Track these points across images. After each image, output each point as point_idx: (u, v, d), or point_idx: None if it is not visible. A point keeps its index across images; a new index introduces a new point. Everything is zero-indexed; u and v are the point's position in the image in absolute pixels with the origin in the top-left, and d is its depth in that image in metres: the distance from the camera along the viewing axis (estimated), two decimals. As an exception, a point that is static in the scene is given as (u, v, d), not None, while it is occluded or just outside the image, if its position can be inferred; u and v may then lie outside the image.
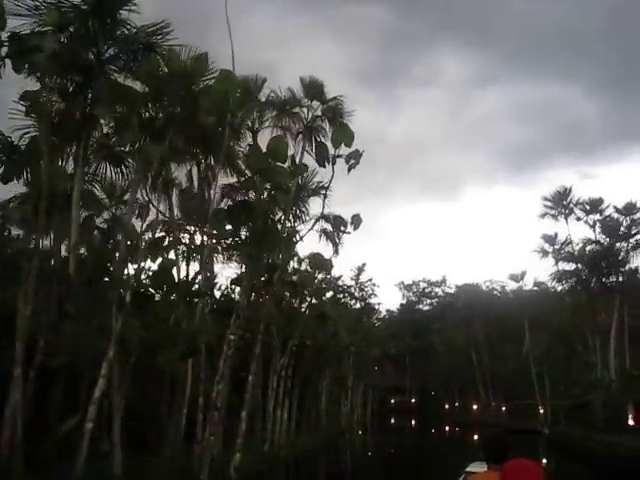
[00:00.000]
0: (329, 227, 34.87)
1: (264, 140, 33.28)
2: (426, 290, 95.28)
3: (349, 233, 27.91)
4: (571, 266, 45.12)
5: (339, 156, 20.68)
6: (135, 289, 15.11)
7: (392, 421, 75.35)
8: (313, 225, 34.52)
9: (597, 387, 38.73)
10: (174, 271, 18.78)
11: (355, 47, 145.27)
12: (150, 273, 16.87)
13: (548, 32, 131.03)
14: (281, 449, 23.20)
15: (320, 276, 27.68)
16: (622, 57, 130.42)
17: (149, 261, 23.45)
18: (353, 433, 50.00)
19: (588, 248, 42.26)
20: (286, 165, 21.27)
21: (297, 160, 32.68)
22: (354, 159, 23.72)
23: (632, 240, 41.44)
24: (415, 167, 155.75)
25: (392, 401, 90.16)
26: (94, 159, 20.46)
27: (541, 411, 43.04)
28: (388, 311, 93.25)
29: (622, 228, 41.88)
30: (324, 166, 21.68)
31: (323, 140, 33.19)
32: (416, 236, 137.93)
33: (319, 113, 32.86)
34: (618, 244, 41.51)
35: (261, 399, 23.24)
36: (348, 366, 44.97)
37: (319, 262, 24.32)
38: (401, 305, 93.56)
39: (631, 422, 26.11)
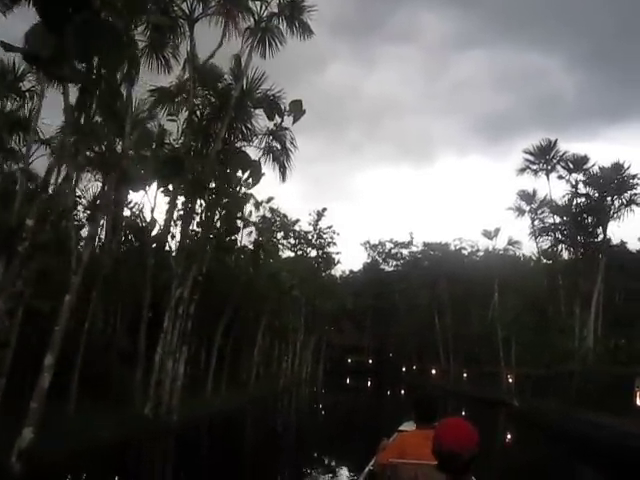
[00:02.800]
0: (278, 146, 28.47)
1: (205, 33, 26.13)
2: (392, 251, 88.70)
3: (287, 129, 20.93)
4: (551, 222, 39.14)
5: None
6: None
7: (347, 381, 69.72)
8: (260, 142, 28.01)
9: (574, 356, 32.87)
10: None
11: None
12: None
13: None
14: (173, 412, 16.26)
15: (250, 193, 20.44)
16: (606, 33, 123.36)
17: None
18: (299, 392, 43.74)
19: (575, 201, 35.82)
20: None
21: (242, 62, 25.92)
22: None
23: (624, 196, 35.11)
24: (389, 128, 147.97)
25: (349, 360, 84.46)
26: None
27: (510, 380, 36.99)
28: (352, 272, 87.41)
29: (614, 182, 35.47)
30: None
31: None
32: (387, 199, 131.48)
33: (275, 10, 26.63)
34: (609, 199, 35.11)
35: (144, 344, 16.42)
36: (295, 316, 38.33)
37: (241, 161, 17.08)
38: (365, 264, 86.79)
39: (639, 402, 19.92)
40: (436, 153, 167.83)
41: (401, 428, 5.96)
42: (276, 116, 19.49)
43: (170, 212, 23.45)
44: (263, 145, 28.24)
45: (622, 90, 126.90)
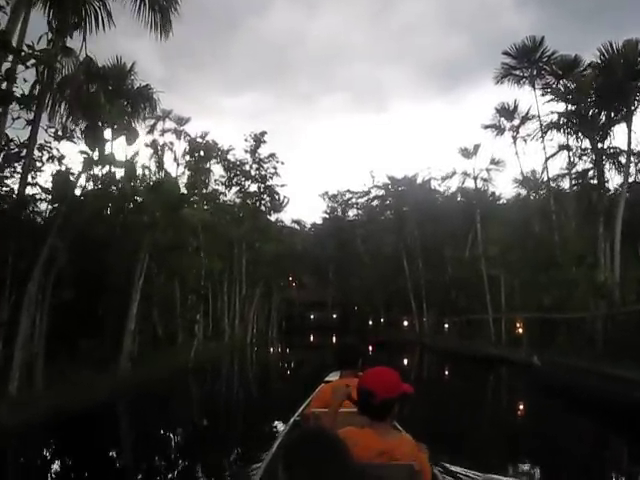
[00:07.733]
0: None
1: None
2: (350, 201, 77.63)
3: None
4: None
5: None
6: None
7: (311, 339, 60.39)
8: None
9: (600, 294, 23.02)
10: None
11: None
12: None
13: None
14: None
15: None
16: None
17: None
18: (244, 359, 33.32)
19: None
20: None
21: None
22: None
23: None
24: (340, 76, 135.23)
25: (312, 317, 74.51)
26: None
27: (519, 329, 26.75)
28: (314, 224, 77.21)
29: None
30: None
31: None
32: (345, 149, 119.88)
33: None
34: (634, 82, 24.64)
35: None
36: (219, 259, 27.43)
37: None
38: (326, 213, 75.73)
39: None
40: (391, 100, 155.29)
41: (327, 379, 5.54)
42: None
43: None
44: None
45: (576, 25, 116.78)
